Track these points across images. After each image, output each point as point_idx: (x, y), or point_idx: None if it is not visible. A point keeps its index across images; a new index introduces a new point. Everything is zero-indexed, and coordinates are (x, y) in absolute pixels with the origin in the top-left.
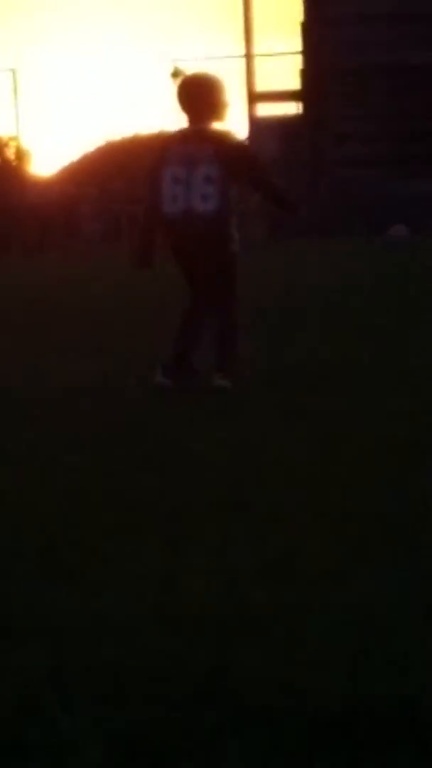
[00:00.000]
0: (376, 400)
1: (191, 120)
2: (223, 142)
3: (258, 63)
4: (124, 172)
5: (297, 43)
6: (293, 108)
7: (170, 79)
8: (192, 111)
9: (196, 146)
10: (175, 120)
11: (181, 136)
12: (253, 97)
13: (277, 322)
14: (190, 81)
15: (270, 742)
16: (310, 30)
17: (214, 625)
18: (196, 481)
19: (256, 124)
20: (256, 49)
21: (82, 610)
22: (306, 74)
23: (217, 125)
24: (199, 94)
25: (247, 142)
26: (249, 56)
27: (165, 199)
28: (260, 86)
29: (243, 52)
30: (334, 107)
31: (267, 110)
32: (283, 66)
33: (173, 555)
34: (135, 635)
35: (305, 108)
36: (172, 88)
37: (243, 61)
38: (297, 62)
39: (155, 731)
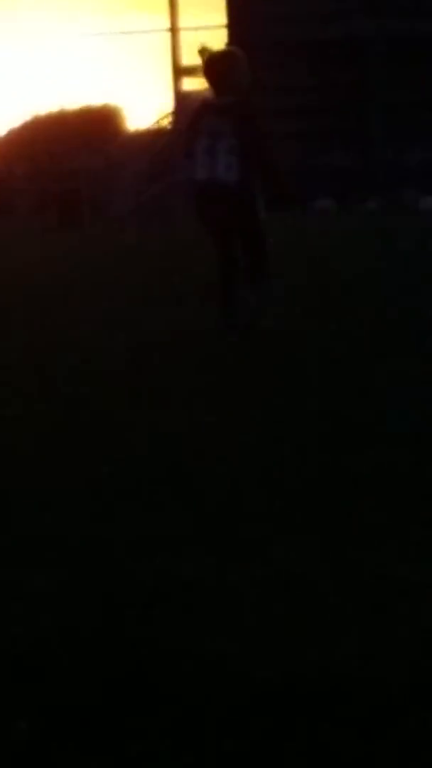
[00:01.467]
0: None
1: (217, 93)
2: (242, 116)
3: (183, 37)
4: (51, 148)
5: (222, 16)
6: None
7: (197, 55)
8: (217, 85)
9: (220, 119)
10: (102, 94)
11: (210, 108)
12: (179, 72)
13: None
14: (215, 57)
15: (198, 713)
16: (234, 3)
17: (146, 597)
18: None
19: (181, 98)
20: (181, 23)
21: None
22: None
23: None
24: (223, 70)
25: (261, 120)
26: (174, 30)
27: (197, 167)
28: (186, 60)
29: (168, 26)
30: (259, 80)
31: (193, 84)
32: (208, 40)
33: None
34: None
35: None
36: (199, 63)
37: (168, 35)
38: (223, 36)
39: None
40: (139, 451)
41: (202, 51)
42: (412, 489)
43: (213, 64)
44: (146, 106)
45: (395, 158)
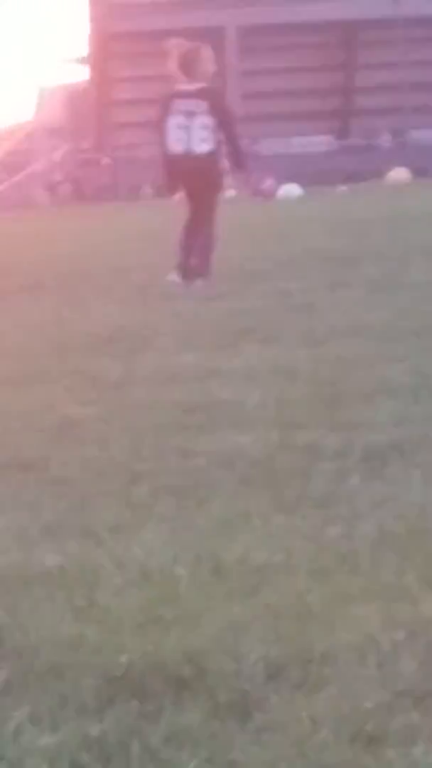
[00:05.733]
0: (169, 362)
1: (188, 79)
2: (214, 98)
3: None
4: None
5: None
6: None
7: (168, 48)
8: (188, 72)
9: (195, 101)
10: None
11: (182, 93)
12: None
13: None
14: (189, 50)
15: (60, 698)
16: None
17: (1, 583)
18: None
19: (41, 93)
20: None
21: None
22: (91, 40)
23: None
24: (195, 60)
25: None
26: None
27: (170, 142)
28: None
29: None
30: (117, 71)
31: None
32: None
33: None
34: None
35: (90, 74)
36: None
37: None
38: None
39: None
40: None
41: (174, 45)
42: (267, 475)
43: (186, 55)
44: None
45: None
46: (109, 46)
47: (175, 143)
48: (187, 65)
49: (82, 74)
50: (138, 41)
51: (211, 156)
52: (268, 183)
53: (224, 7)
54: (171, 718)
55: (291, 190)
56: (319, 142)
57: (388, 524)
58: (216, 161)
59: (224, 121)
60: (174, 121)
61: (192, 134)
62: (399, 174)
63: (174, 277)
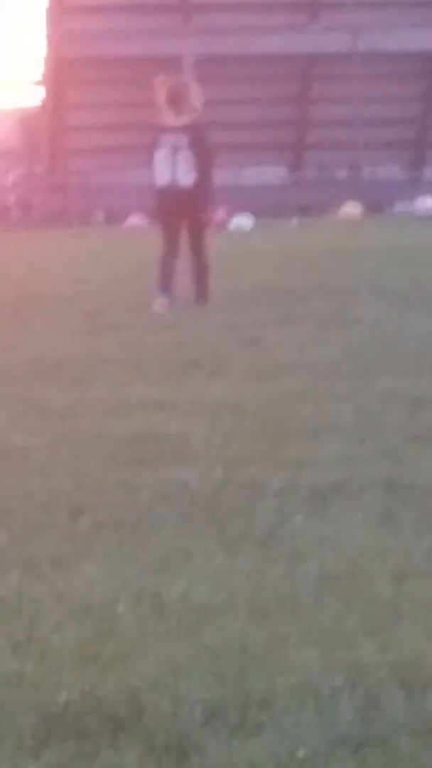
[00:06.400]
0: (115, 392)
1: (176, 113)
2: (195, 134)
3: None
4: None
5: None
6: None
7: (157, 83)
8: (176, 107)
9: (178, 136)
10: None
11: (169, 127)
12: None
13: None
14: (176, 85)
15: None
16: (53, 18)
17: None
18: None
19: None
20: None
21: None
22: (47, 63)
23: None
24: (183, 95)
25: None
26: None
27: (157, 175)
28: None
29: None
30: (72, 96)
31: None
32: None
33: None
34: None
35: (44, 98)
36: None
37: None
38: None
39: None
40: None
41: (162, 81)
42: (210, 512)
43: (173, 89)
44: None
45: None
46: (65, 72)
47: (161, 177)
48: (175, 100)
49: (36, 97)
50: (94, 68)
51: (197, 187)
52: (219, 214)
53: (182, 36)
54: (107, 759)
55: (242, 221)
56: (272, 173)
57: (329, 566)
58: (200, 191)
59: (200, 157)
60: (160, 155)
61: (177, 166)
62: (352, 208)
63: (159, 307)
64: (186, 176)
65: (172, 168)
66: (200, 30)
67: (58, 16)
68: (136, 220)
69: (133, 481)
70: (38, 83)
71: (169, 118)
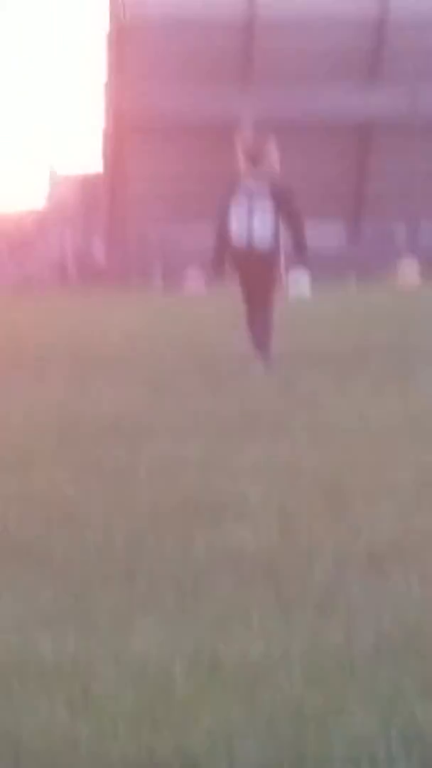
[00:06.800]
0: (172, 451)
1: (256, 171)
2: (284, 195)
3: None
4: None
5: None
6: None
7: (238, 138)
8: (255, 160)
9: (257, 184)
10: None
11: (248, 186)
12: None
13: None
14: (256, 143)
15: None
16: (111, 90)
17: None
18: None
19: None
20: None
21: None
22: (106, 133)
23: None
24: (262, 153)
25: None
26: None
27: (232, 233)
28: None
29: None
30: (133, 166)
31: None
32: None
33: None
34: None
35: (104, 167)
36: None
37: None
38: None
39: None
40: None
41: (242, 137)
42: (267, 573)
43: (252, 147)
44: None
45: None
46: (126, 142)
47: (239, 237)
48: (254, 157)
49: (95, 164)
50: (156, 137)
51: (272, 252)
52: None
53: (242, 99)
54: None
55: (301, 286)
56: (330, 233)
57: (386, 629)
58: (276, 257)
59: (291, 219)
60: (237, 207)
61: (254, 218)
62: (409, 268)
63: (259, 368)
64: (263, 233)
65: (248, 224)
66: (258, 96)
67: (117, 89)
68: (193, 281)
69: (190, 540)
70: (97, 151)
71: (248, 176)
